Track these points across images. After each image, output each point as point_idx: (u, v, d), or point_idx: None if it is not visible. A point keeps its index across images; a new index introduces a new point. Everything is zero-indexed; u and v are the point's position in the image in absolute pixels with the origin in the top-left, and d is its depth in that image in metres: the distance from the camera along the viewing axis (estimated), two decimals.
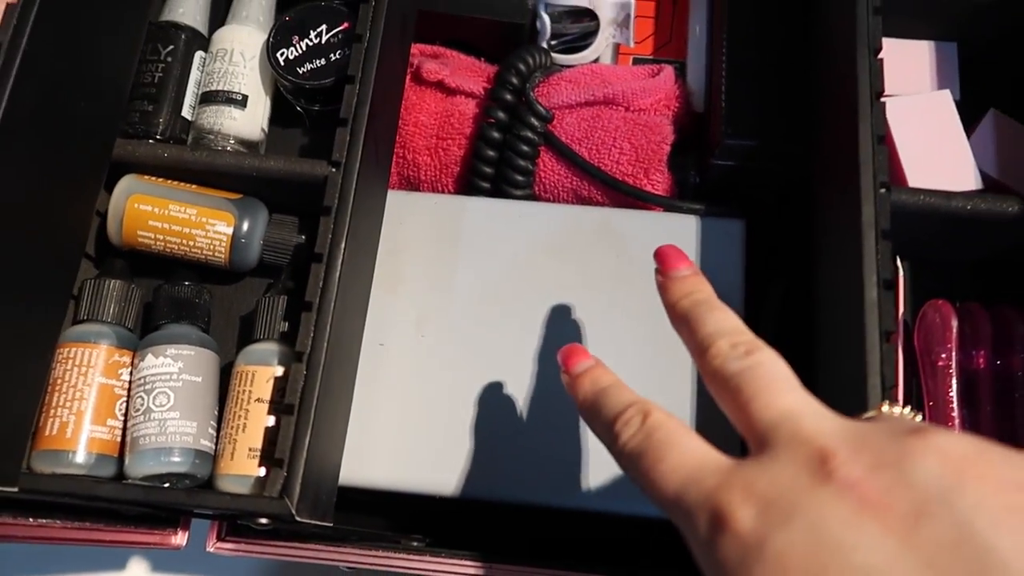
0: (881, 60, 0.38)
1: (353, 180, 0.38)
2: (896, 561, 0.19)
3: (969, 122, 0.43)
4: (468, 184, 0.51)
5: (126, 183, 0.40)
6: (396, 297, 0.46)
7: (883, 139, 0.36)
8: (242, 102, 0.42)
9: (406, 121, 0.51)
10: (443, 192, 0.52)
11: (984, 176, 0.40)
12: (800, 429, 0.23)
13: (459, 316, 0.45)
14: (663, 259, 0.32)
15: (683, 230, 0.47)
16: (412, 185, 0.52)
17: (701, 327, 0.28)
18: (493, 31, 0.54)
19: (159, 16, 0.45)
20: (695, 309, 0.29)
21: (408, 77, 0.52)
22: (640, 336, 0.44)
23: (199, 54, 0.44)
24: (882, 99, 0.37)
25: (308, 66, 0.42)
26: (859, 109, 0.37)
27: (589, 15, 0.54)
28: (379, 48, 0.40)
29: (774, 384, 0.25)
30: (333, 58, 0.42)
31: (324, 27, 0.43)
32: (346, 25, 0.43)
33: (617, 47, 0.56)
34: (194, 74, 0.44)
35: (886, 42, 0.40)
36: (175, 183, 0.40)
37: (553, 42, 0.55)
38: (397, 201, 0.48)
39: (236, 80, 0.42)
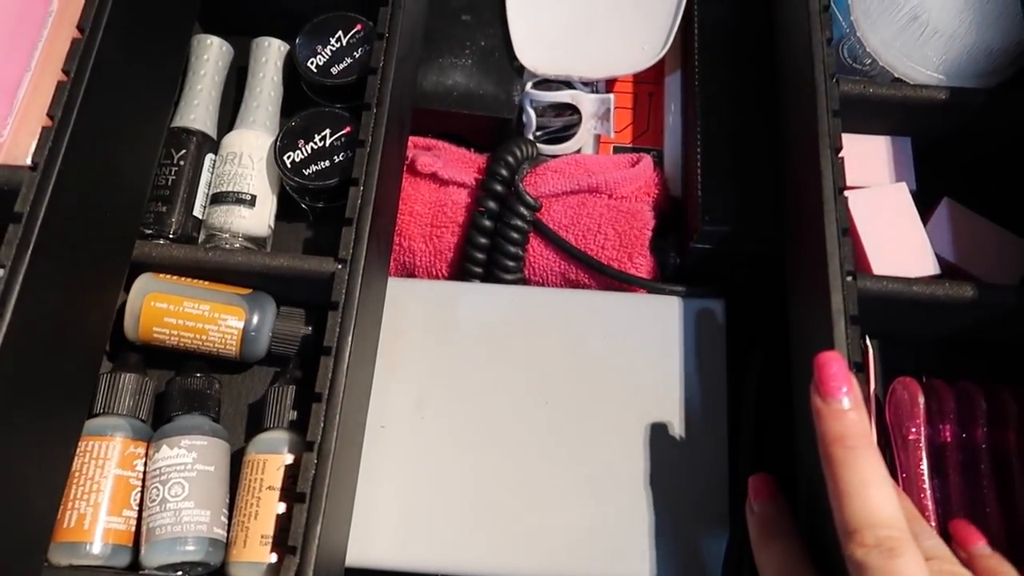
0: (842, 158, 0.41)
1: (359, 276, 0.41)
2: None
3: (925, 209, 0.46)
4: (462, 269, 0.54)
5: (143, 282, 0.42)
6: (397, 380, 0.48)
7: (847, 231, 0.40)
8: (251, 202, 0.45)
9: (402, 211, 0.54)
10: (438, 276, 0.55)
11: (941, 260, 0.43)
12: None
13: (457, 397, 0.47)
14: (822, 377, 0.34)
15: (667, 311, 0.50)
16: (408, 270, 0.55)
17: (853, 501, 0.30)
18: (482, 125, 0.57)
19: (171, 122, 0.47)
20: (849, 465, 0.31)
21: (404, 169, 0.55)
22: (627, 413, 0.47)
23: (209, 156, 0.47)
24: (845, 193, 0.41)
25: (313, 168, 0.45)
26: (824, 204, 0.40)
27: (572, 109, 0.57)
28: (380, 152, 0.43)
29: None
30: (336, 160, 0.45)
31: (328, 131, 0.46)
32: (348, 129, 0.46)
33: (598, 137, 0.59)
34: (204, 175, 0.47)
35: (846, 138, 0.43)
36: (188, 280, 0.43)
37: (538, 133, 0.59)
38: (396, 288, 0.51)
39: (245, 181, 0.45)
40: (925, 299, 0.40)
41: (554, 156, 0.57)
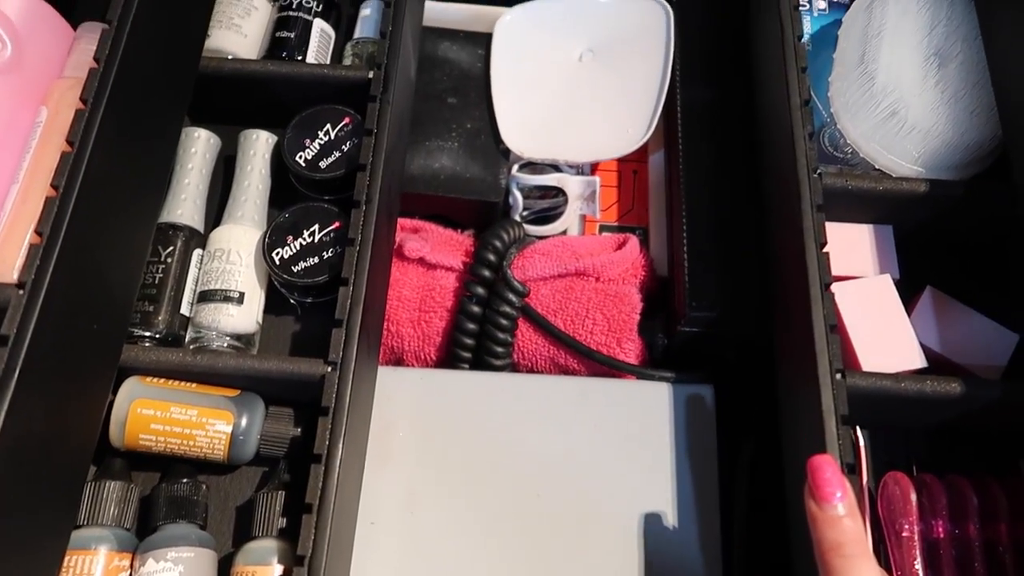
0: (827, 253, 0.42)
1: (349, 379, 0.40)
2: None
3: (909, 296, 0.47)
4: (451, 355, 0.54)
5: (129, 388, 0.41)
6: (386, 473, 0.47)
7: (835, 327, 0.40)
8: (239, 299, 0.45)
9: (390, 296, 0.54)
10: (426, 361, 0.55)
11: (927, 350, 0.44)
12: None
13: (447, 490, 0.47)
14: (816, 482, 0.34)
15: (656, 398, 0.50)
16: (396, 355, 0.55)
17: None
18: (470, 207, 0.58)
19: (160, 218, 0.47)
20: (846, 575, 0.32)
21: (392, 254, 0.55)
22: (619, 502, 0.46)
23: (197, 252, 0.47)
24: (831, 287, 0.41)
25: (302, 264, 0.45)
26: (811, 300, 0.41)
27: (558, 190, 0.58)
28: (370, 250, 0.43)
29: None
30: (326, 256, 0.45)
31: (317, 226, 0.46)
32: (337, 225, 0.46)
33: (584, 217, 0.60)
34: (192, 271, 0.46)
35: (829, 226, 0.44)
36: (176, 383, 0.42)
37: (525, 213, 0.59)
38: (385, 377, 0.51)
39: (233, 278, 0.45)
40: (913, 395, 0.41)
41: (541, 237, 0.58)
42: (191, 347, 0.45)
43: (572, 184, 0.57)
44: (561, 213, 0.58)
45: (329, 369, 0.41)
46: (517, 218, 0.58)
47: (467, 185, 0.57)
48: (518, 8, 0.63)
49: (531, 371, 0.54)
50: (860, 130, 0.46)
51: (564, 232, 0.59)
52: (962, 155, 0.45)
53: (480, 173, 0.57)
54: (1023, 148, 0.44)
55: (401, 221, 0.57)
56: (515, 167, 0.58)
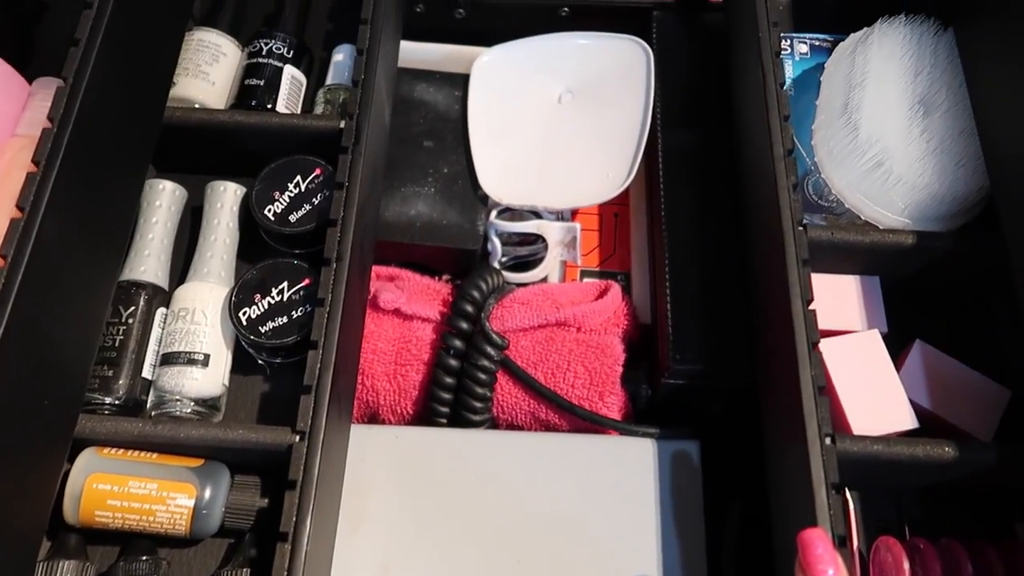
0: (814, 311, 0.41)
1: (318, 449, 0.38)
2: None
3: (898, 348, 0.46)
4: (428, 410, 0.52)
5: (84, 461, 0.39)
6: (360, 538, 0.45)
7: (823, 389, 0.39)
8: (203, 361, 0.43)
9: (365, 349, 0.52)
10: (403, 415, 0.53)
11: (916, 406, 0.43)
12: None
13: (424, 556, 0.45)
14: (807, 558, 0.33)
15: (640, 455, 0.48)
16: (372, 409, 0.53)
17: None
18: (447, 255, 0.56)
19: (121, 274, 0.45)
20: None
21: (366, 305, 0.54)
22: (603, 563, 0.44)
23: (161, 311, 0.45)
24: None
25: (270, 324, 0.43)
26: (798, 360, 0.39)
27: (538, 237, 0.57)
28: (341, 310, 0.41)
29: None
30: (295, 316, 0.43)
31: (285, 284, 0.44)
32: (307, 282, 0.44)
33: (565, 263, 0.59)
34: (155, 331, 0.44)
35: (815, 278, 0.43)
36: (135, 454, 0.40)
37: (504, 259, 0.58)
38: (359, 436, 0.49)
39: (197, 340, 0.43)
40: (906, 460, 0.39)
41: (521, 284, 0.56)
42: (153, 413, 0.43)
43: (552, 231, 0.56)
44: (541, 259, 0.57)
45: (297, 439, 0.39)
46: (496, 265, 0.57)
47: (444, 233, 0.55)
48: (496, 49, 0.62)
49: (511, 425, 0.52)
50: (845, 181, 0.45)
51: (545, 279, 0.58)
52: (949, 206, 0.44)
53: (457, 220, 0.56)
54: (1011, 198, 0.43)
55: (376, 269, 0.56)
56: (493, 213, 0.57)
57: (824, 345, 0.43)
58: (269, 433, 0.40)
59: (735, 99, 0.54)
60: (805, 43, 0.53)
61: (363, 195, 0.45)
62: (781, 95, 0.46)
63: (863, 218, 0.45)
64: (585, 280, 0.59)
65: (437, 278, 0.56)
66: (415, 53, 0.64)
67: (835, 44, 0.53)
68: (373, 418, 0.53)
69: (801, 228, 0.42)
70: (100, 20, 0.40)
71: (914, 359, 0.44)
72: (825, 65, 0.49)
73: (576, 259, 0.57)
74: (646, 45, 0.58)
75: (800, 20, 0.56)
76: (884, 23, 0.48)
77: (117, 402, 0.42)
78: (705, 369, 0.49)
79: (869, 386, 0.41)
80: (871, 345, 0.43)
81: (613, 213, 0.61)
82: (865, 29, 0.50)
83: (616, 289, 0.54)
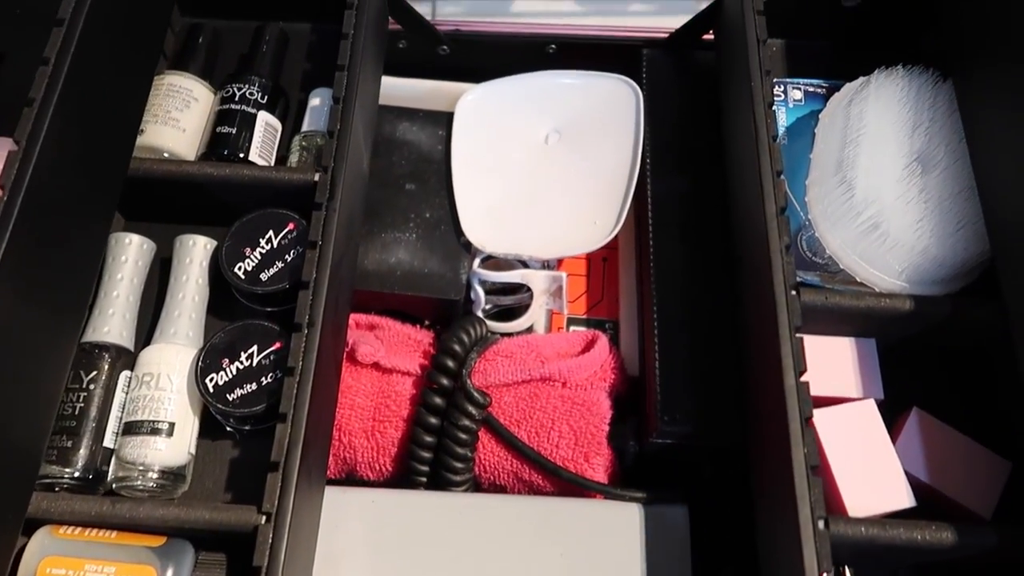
0: (807, 383, 0.39)
1: (285, 531, 0.36)
2: None
3: (894, 415, 0.44)
4: (407, 468, 0.50)
5: (38, 542, 0.37)
6: None
7: (816, 468, 0.37)
8: (168, 431, 0.41)
9: (342, 404, 0.50)
10: (382, 472, 0.51)
11: (913, 480, 0.41)
12: None
13: None
14: None
15: (627, 520, 0.47)
16: (349, 467, 0.51)
17: None
18: (429, 305, 0.54)
19: (82, 335, 0.43)
20: None
21: (344, 357, 0.52)
22: None
23: (125, 374, 0.43)
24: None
25: (239, 392, 0.41)
26: (791, 438, 0.38)
27: (523, 286, 0.55)
28: (312, 380, 0.39)
29: None
30: (264, 382, 0.41)
31: (255, 348, 0.42)
32: (278, 345, 0.42)
33: (551, 311, 0.57)
34: (118, 396, 0.42)
35: (808, 340, 0.41)
36: (93, 534, 0.38)
37: (488, 307, 0.56)
38: (333, 500, 0.47)
39: (162, 407, 0.41)
40: (902, 543, 0.37)
41: (506, 334, 0.54)
42: (114, 486, 0.41)
43: (537, 280, 0.54)
44: (527, 308, 0.55)
45: (263, 520, 0.37)
46: (480, 314, 0.55)
47: (425, 282, 0.53)
48: (480, 87, 0.60)
49: (493, 484, 0.51)
50: (840, 241, 0.43)
51: (530, 328, 0.56)
52: (948, 270, 0.42)
53: (439, 268, 0.54)
54: (1012, 262, 0.41)
55: (355, 317, 0.54)
56: (477, 260, 0.55)
57: (818, 417, 0.41)
58: (233, 513, 0.38)
59: (726, 146, 0.53)
60: (799, 89, 0.51)
61: (337, 253, 0.43)
62: (774, 149, 0.44)
63: (859, 279, 0.43)
64: (572, 329, 0.57)
65: (419, 326, 0.55)
66: (397, 88, 0.62)
67: (830, 90, 0.51)
68: (351, 474, 0.51)
69: (794, 293, 0.41)
70: (57, 77, 0.38)
71: (911, 429, 0.42)
72: (820, 116, 0.48)
73: (562, 309, 0.55)
74: (635, 85, 0.56)
75: (794, 64, 0.54)
76: (881, 74, 0.47)
77: (76, 475, 0.40)
78: (694, 431, 0.47)
79: (865, 462, 0.40)
80: (867, 417, 0.41)
81: (602, 257, 0.59)
82: (861, 79, 0.48)
83: (603, 341, 0.52)
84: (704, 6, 0.73)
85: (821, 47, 0.55)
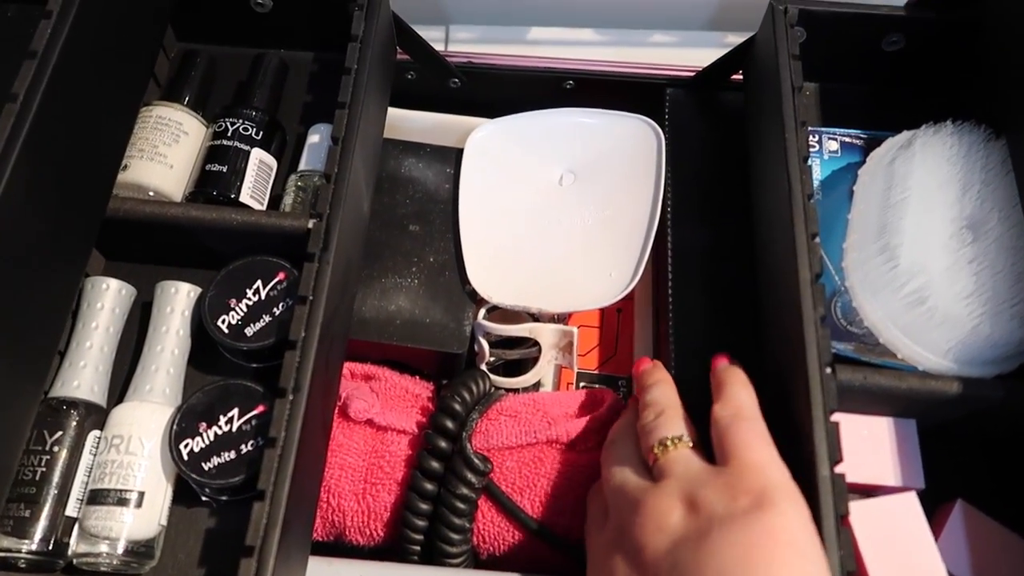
0: (842, 474, 0.35)
1: None
2: None
3: (935, 506, 0.40)
4: (400, 537, 0.46)
5: None
6: None
7: (852, 574, 0.33)
8: (137, 501, 0.37)
9: (332, 464, 0.47)
10: (372, 538, 0.47)
11: None
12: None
13: None
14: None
15: None
16: (337, 530, 0.47)
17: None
18: (429, 358, 0.50)
19: (50, 390, 0.40)
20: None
21: (335, 412, 0.48)
22: None
23: (94, 434, 0.39)
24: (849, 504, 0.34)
25: (215, 460, 0.37)
26: (825, 540, 0.34)
27: (530, 341, 0.51)
28: (296, 453, 0.36)
29: None
30: (244, 451, 0.38)
31: (236, 412, 0.38)
32: (261, 409, 0.39)
33: (560, 367, 0.53)
34: (85, 459, 0.39)
35: (844, 419, 0.37)
36: None
37: (492, 359, 0.52)
38: (317, 572, 0.43)
39: (131, 475, 0.38)
40: None
41: (510, 389, 0.51)
42: (75, 561, 0.37)
43: (546, 334, 0.50)
44: (534, 363, 0.51)
45: None
46: (484, 367, 0.51)
47: (426, 333, 0.50)
48: (494, 123, 0.56)
49: (492, 556, 0.47)
50: (881, 313, 0.39)
51: (537, 384, 0.52)
52: (1001, 349, 0.38)
53: (442, 318, 0.50)
54: None
55: (350, 366, 0.50)
56: (482, 312, 0.51)
57: (854, 511, 0.37)
58: None
59: (753, 198, 0.49)
60: (835, 140, 0.47)
61: (329, 309, 0.40)
62: (810, 209, 0.40)
63: (900, 356, 0.39)
64: (581, 386, 0.53)
65: (418, 377, 0.51)
66: (402, 121, 0.59)
67: (868, 142, 0.47)
68: (338, 538, 0.47)
69: (830, 371, 0.37)
70: (24, 116, 0.34)
71: (955, 524, 0.38)
72: (859, 172, 0.44)
73: (572, 365, 0.51)
74: (657, 127, 0.53)
75: (828, 111, 0.51)
76: (928, 129, 0.43)
77: (34, 548, 0.36)
78: None
79: (906, 562, 0.36)
80: (908, 512, 0.37)
81: (616, 309, 0.55)
82: (905, 134, 0.44)
83: (614, 401, 0.48)
84: (730, 39, 0.70)
85: (858, 92, 0.51)
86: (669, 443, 0.37)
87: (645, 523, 0.34)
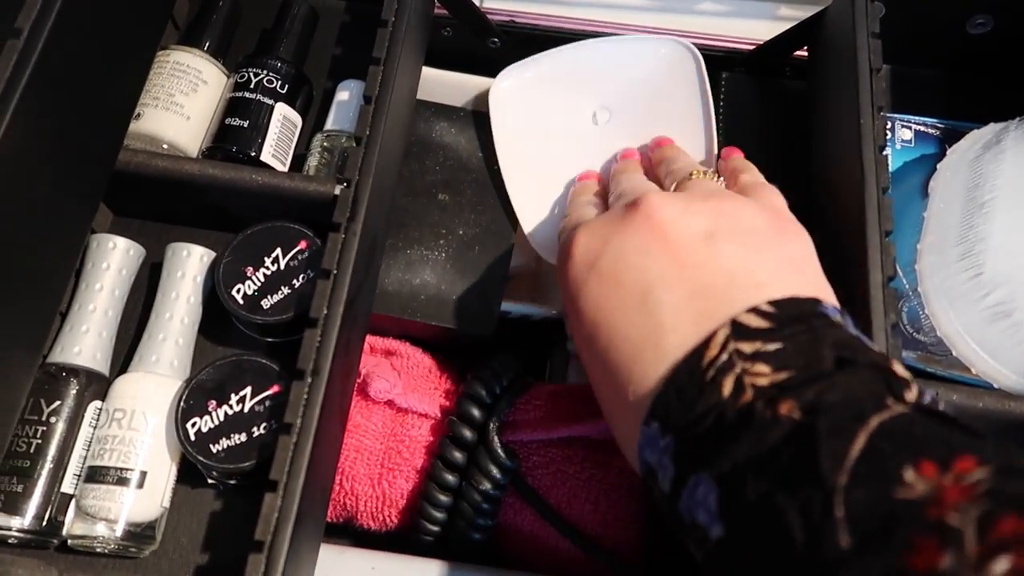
0: None
1: None
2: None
3: None
4: (415, 527, 0.43)
5: None
6: None
7: None
8: (138, 481, 0.35)
9: (348, 445, 0.44)
10: (385, 524, 0.44)
11: None
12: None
13: None
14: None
15: None
16: (349, 513, 0.45)
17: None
18: (453, 337, 0.47)
19: (49, 355, 0.37)
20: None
21: (355, 390, 0.45)
22: None
23: (94, 405, 0.36)
24: None
25: (225, 443, 0.34)
26: None
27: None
28: (312, 441, 0.33)
29: None
30: (256, 434, 0.35)
31: (248, 390, 0.35)
32: (276, 389, 0.36)
33: None
34: (84, 431, 0.36)
35: None
36: None
37: None
38: (327, 562, 0.40)
39: (133, 453, 0.35)
40: None
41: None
42: (69, 541, 0.35)
43: None
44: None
45: None
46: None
47: (452, 311, 0.46)
48: (514, 69, 0.51)
49: (509, 548, 0.44)
50: (957, 324, 0.36)
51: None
52: None
53: (469, 297, 0.47)
54: None
55: (370, 339, 0.47)
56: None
57: None
58: None
59: (816, 192, 0.45)
60: (909, 128, 0.43)
61: (355, 285, 0.36)
62: (884, 205, 0.37)
63: (974, 371, 0.36)
64: None
65: (443, 357, 0.48)
66: (436, 83, 0.55)
67: (947, 133, 0.43)
68: (350, 521, 0.45)
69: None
70: (29, 54, 0.31)
71: None
72: (939, 167, 0.40)
73: None
74: (692, 47, 0.48)
75: (902, 96, 0.47)
76: (1022, 124, 0.39)
77: (25, 526, 0.34)
78: None
79: None
80: None
81: None
82: (993, 126, 0.40)
83: None
84: (783, 11, 0.65)
85: (936, 77, 0.47)
86: (694, 174, 0.37)
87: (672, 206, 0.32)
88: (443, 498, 0.43)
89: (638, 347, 0.29)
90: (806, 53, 0.49)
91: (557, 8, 0.65)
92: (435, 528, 0.43)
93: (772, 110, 0.50)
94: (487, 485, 0.42)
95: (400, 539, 0.44)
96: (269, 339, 0.39)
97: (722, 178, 0.38)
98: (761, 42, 0.50)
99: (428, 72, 0.54)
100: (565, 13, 0.55)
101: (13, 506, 0.33)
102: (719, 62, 0.51)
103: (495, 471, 0.42)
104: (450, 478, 0.43)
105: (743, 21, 0.68)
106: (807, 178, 0.46)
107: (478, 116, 0.52)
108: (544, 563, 0.43)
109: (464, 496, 0.42)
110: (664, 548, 0.44)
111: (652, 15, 0.69)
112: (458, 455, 0.43)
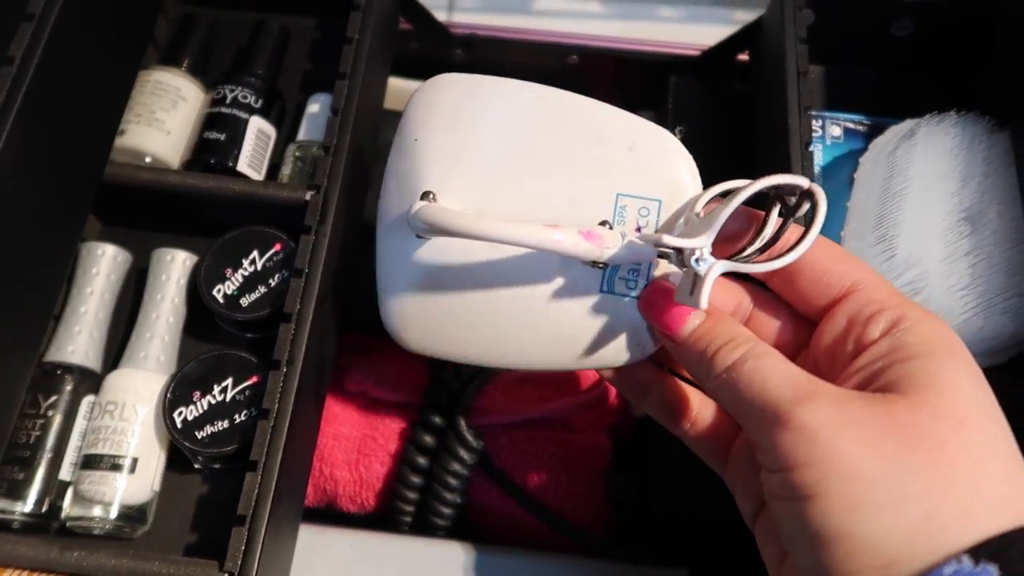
0: None
1: None
2: None
3: None
4: (391, 508, 0.47)
5: None
6: None
7: None
8: (131, 467, 0.38)
9: (326, 433, 0.47)
10: (363, 506, 0.48)
11: None
12: None
13: None
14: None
15: None
16: (329, 497, 0.48)
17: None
18: None
19: (45, 354, 0.40)
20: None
21: (332, 382, 0.48)
22: None
23: (88, 399, 0.40)
24: None
25: (208, 429, 0.38)
26: None
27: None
28: (289, 424, 0.36)
29: None
30: (238, 420, 0.38)
31: (230, 381, 0.39)
32: (255, 380, 0.39)
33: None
34: (79, 423, 0.39)
35: None
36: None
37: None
38: (308, 540, 0.44)
39: (125, 441, 0.38)
40: None
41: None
42: (68, 523, 0.38)
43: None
44: None
45: None
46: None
47: None
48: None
49: (481, 527, 0.47)
50: None
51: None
52: (994, 342, 0.38)
53: None
54: None
55: (348, 336, 0.50)
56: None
57: None
58: (193, 569, 0.34)
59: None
60: (839, 125, 0.47)
61: (326, 282, 0.40)
62: None
63: None
64: None
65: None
66: (404, 92, 0.58)
67: (872, 128, 0.47)
68: (330, 504, 0.48)
69: None
70: (21, 80, 0.34)
71: None
72: (860, 161, 0.43)
73: None
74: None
75: (833, 95, 0.50)
76: (932, 119, 0.42)
77: (28, 510, 0.37)
78: (697, 508, 0.44)
79: None
80: None
81: None
82: (908, 123, 0.44)
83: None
84: (739, 15, 0.69)
85: (864, 77, 0.51)
86: None
87: None
88: (416, 480, 0.46)
89: None
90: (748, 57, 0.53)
91: (521, 18, 0.69)
92: (409, 508, 0.47)
93: (719, 112, 0.53)
94: (456, 466, 0.45)
95: (378, 520, 0.48)
96: (248, 335, 0.42)
97: None
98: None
99: (396, 82, 0.57)
100: (529, 23, 0.59)
101: (16, 492, 0.37)
102: (667, 67, 0.54)
103: (463, 453, 0.45)
104: (422, 461, 0.46)
105: (701, 26, 0.72)
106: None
107: None
108: (512, 537, 0.47)
109: (435, 477, 0.46)
110: (624, 521, 0.47)
111: (614, 22, 0.72)
112: (428, 439, 0.46)
